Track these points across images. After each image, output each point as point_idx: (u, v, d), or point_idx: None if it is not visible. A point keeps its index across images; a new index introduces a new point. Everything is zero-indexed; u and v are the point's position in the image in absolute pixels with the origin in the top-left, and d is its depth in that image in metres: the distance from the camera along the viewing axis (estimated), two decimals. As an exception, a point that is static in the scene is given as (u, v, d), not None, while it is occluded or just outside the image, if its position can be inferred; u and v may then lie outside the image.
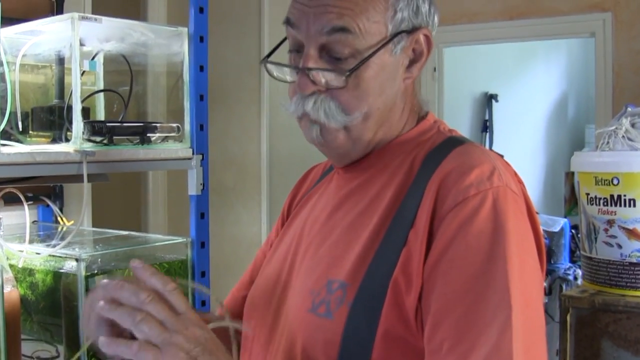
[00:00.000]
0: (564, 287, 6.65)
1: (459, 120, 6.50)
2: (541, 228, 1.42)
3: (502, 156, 1.48)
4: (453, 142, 1.47)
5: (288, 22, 1.47)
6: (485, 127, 6.90)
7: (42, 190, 2.93)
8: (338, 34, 1.40)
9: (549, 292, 6.58)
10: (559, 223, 7.07)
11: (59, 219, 2.91)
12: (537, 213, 1.43)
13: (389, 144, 1.52)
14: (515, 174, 1.45)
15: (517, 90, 7.28)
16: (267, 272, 1.66)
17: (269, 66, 1.52)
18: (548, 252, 6.79)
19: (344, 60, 1.42)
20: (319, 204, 1.63)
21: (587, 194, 2.63)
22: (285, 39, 1.54)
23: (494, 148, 6.84)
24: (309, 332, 1.40)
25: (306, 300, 1.43)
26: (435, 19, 1.52)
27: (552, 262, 6.87)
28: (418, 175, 1.42)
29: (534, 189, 7.70)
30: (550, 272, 6.70)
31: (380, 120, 1.48)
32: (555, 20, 5.21)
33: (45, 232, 2.87)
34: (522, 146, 7.42)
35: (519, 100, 7.31)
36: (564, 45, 8.01)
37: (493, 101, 6.92)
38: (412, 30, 1.47)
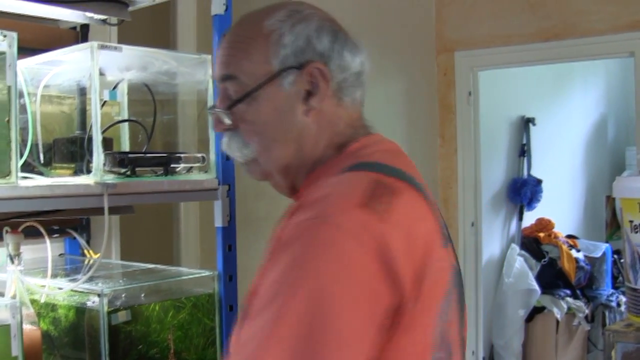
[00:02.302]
0: (606, 314, 6.56)
1: (496, 144, 6.42)
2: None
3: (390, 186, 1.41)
4: (350, 168, 1.46)
5: None
6: (523, 151, 6.81)
7: (68, 222, 2.89)
8: (226, 81, 1.55)
9: (591, 319, 6.49)
10: (601, 248, 6.99)
11: (85, 251, 2.86)
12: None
13: (307, 178, 1.56)
14: (368, 207, 1.33)
15: (555, 113, 7.19)
16: None
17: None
18: (590, 278, 6.70)
19: (231, 104, 1.54)
20: None
21: (631, 222, 2.54)
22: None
23: (532, 172, 6.76)
24: None
25: None
26: (345, 54, 1.57)
27: (594, 288, 6.79)
28: None
29: (573, 213, 7.60)
30: (592, 299, 6.62)
31: (283, 152, 1.54)
32: (592, 41, 5.12)
33: (72, 265, 2.83)
34: (561, 170, 7.34)
35: (557, 124, 7.22)
36: (601, 66, 7.91)
37: (530, 125, 6.83)
38: (301, 66, 1.52)
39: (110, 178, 2.06)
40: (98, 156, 2.04)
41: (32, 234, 2.35)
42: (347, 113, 1.59)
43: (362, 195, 1.34)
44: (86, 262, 2.82)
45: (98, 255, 2.79)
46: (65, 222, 2.86)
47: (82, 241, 2.86)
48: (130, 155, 2.13)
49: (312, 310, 1.23)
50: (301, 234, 1.30)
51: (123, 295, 2.20)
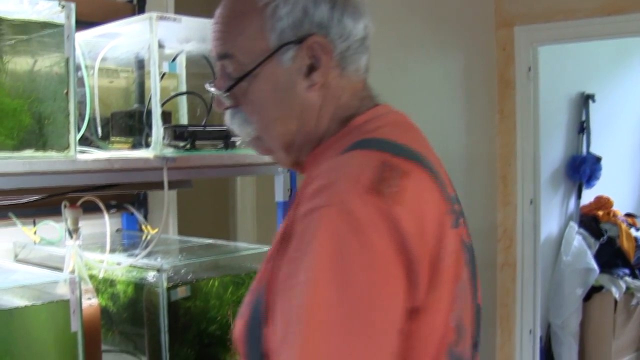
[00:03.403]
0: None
1: (555, 121, 6.33)
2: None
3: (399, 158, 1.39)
4: (352, 147, 1.42)
5: None
6: (582, 128, 6.70)
7: (125, 197, 2.87)
8: (224, 60, 1.51)
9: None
10: (660, 227, 6.89)
11: (143, 227, 2.84)
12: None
13: (312, 154, 1.53)
14: (377, 188, 1.31)
15: (615, 90, 7.06)
16: None
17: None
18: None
19: (230, 84, 1.51)
20: None
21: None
22: None
23: (591, 150, 6.66)
24: None
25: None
26: (346, 21, 1.49)
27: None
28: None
29: (633, 191, 7.47)
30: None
31: (285, 129, 1.51)
32: (656, 15, 5.01)
33: (130, 240, 2.82)
34: (620, 147, 7.22)
35: (617, 100, 7.09)
36: (664, 41, 7.76)
37: (590, 101, 6.72)
38: (300, 40, 1.46)
39: (169, 152, 2.03)
40: (157, 129, 2.01)
41: (89, 209, 2.33)
42: (350, 84, 1.53)
43: (371, 179, 1.31)
44: (144, 237, 2.81)
45: (156, 230, 2.78)
46: (122, 197, 2.85)
47: (139, 216, 2.84)
48: (189, 128, 2.09)
49: (345, 299, 1.23)
50: (318, 225, 1.27)
51: (182, 271, 2.18)
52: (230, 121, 1.55)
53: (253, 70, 1.46)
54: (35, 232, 2.63)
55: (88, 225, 2.39)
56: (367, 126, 1.50)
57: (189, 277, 2.20)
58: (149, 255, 2.22)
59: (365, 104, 1.54)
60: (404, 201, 1.31)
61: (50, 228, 2.61)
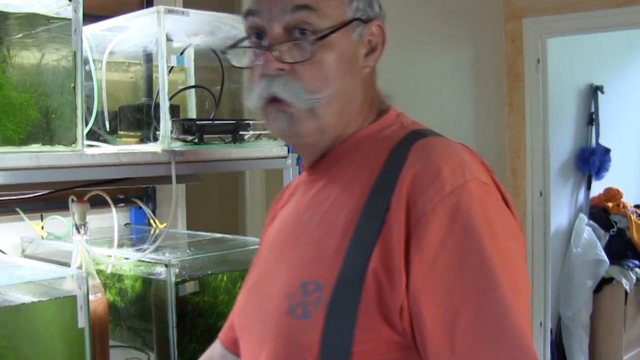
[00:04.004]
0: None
1: (564, 113, 6.31)
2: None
3: (465, 146, 1.48)
4: (415, 135, 1.46)
5: (249, 12, 1.50)
6: (591, 119, 6.69)
7: (133, 191, 2.86)
8: (301, 12, 1.43)
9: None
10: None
11: (151, 221, 2.83)
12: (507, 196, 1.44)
13: (349, 140, 1.53)
14: (482, 162, 1.45)
15: (624, 81, 7.04)
16: (247, 285, 1.67)
17: (229, 55, 1.58)
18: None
19: (307, 37, 1.44)
20: (288, 210, 1.66)
21: None
22: (245, 38, 1.56)
23: (600, 141, 6.64)
24: (288, 335, 1.39)
25: (282, 304, 1.42)
26: (385, 20, 1.56)
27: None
28: (384, 171, 1.41)
29: (642, 183, 7.47)
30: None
31: (343, 106, 1.49)
32: (666, 6, 4.98)
33: (138, 234, 2.81)
34: (629, 139, 7.20)
35: (626, 92, 7.07)
36: (673, 33, 7.73)
37: (599, 93, 6.70)
38: (367, 20, 1.51)
39: (177, 146, 2.01)
40: (165, 123, 2.00)
41: (97, 203, 2.32)
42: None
43: (475, 156, 1.44)
44: (152, 231, 2.80)
45: (164, 225, 2.77)
46: (130, 191, 2.84)
47: (147, 210, 2.83)
48: (198, 122, 2.08)
49: (509, 267, 1.30)
50: (471, 198, 1.31)
51: (190, 266, 2.17)
52: (283, 87, 1.45)
53: (336, 30, 1.45)
54: (42, 227, 2.62)
55: (96, 219, 2.38)
56: (404, 120, 1.56)
57: (197, 272, 2.19)
58: (157, 250, 2.21)
59: (384, 98, 1.60)
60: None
61: (58, 222, 2.60)
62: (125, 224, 2.91)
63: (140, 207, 2.85)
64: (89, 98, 2.12)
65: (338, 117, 1.49)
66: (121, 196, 2.79)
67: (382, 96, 1.59)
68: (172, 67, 2.14)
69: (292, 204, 1.66)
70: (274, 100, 1.46)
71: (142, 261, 2.20)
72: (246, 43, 1.53)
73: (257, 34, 1.49)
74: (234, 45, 1.57)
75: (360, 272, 1.32)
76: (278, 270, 1.50)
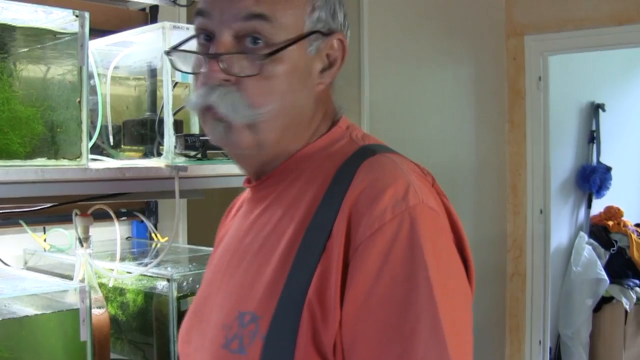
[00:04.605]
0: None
1: (564, 130, 6.32)
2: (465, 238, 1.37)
3: (417, 165, 1.41)
4: (364, 153, 1.38)
5: (199, 12, 1.38)
6: (592, 137, 6.70)
7: (135, 205, 2.87)
8: (254, 21, 1.32)
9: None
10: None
11: (153, 235, 2.84)
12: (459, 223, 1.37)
13: (295, 156, 1.43)
14: (434, 183, 1.38)
15: (625, 99, 7.05)
16: (191, 308, 1.57)
17: (173, 57, 1.43)
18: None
19: (257, 49, 1.33)
20: (232, 232, 1.55)
21: None
22: (194, 36, 1.44)
23: (601, 159, 6.65)
24: None
25: (220, 335, 1.34)
26: (348, 33, 1.47)
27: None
28: (329, 193, 1.33)
29: (643, 202, 7.48)
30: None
31: (287, 122, 1.38)
32: (667, 25, 5.00)
33: (139, 248, 2.81)
34: (630, 157, 7.20)
35: (627, 110, 7.08)
36: (674, 51, 7.75)
37: (600, 111, 6.71)
38: (328, 33, 1.40)
39: (181, 161, 2.02)
40: (169, 138, 2.01)
41: (99, 216, 2.32)
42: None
43: (425, 177, 1.37)
44: (153, 245, 2.81)
45: (165, 239, 2.78)
46: (132, 204, 2.84)
47: (149, 225, 2.84)
48: (201, 137, 2.08)
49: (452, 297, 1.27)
50: (413, 226, 1.24)
51: (192, 280, 2.17)
52: (221, 99, 1.33)
53: (291, 44, 1.34)
54: (45, 239, 2.62)
55: (97, 232, 2.39)
56: (353, 133, 1.47)
57: (198, 286, 2.19)
58: (158, 264, 2.22)
59: (337, 111, 1.50)
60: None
61: (60, 235, 2.61)
62: (127, 238, 2.92)
63: (142, 221, 2.86)
64: (92, 112, 2.13)
65: (279, 134, 1.38)
66: (123, 210, 2.79)
67: (336, 108, 1.49)
68: (177, 83, 2.15)
69: (235, 225, 1.55)
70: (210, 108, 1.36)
71: (144, 275, 2.20)
72: (193, 44, 1.42)
73: (206, 35, 1.38)
74: (178, 46, 1.44)
75: (298, 304, 1.25)
76: (217, 296, 1.43)
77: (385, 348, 1.20)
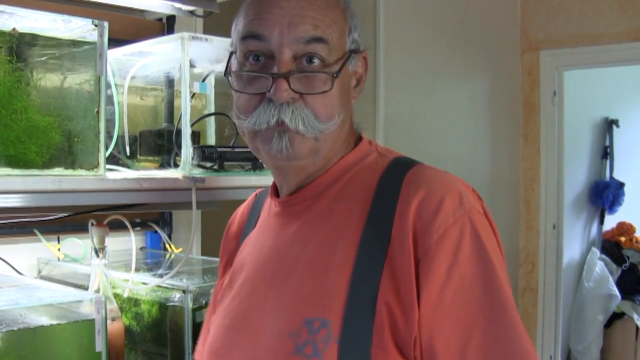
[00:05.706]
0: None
1: (578, 146, 6.31)
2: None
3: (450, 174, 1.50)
4: (401, 164, 1.49)
5: (251, 36, 1.45)
6: (606, 153, 6.69)
7: (150, 215, 2.86)
8: (314, 44, 1.42)
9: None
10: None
11: (167, 246, 2.83)
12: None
13: (332, 169, 1.52)
14: (474, 189, 1.48)
15: (639, 115, 7.04)
16: (224, 322, 1.58)
17: (231, 78, 1.51)
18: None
19: (324, 69, 1.44)
20: (264, 244, 1.60)
21: None
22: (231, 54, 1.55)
23: (614, 175, 6.64)
24: None
25: (286, 343, 1.39)
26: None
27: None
28: (376, 203, 1.43)
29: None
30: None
31: (337, 134, 1.49)
32: (683, 41, 4.99)
33: (153, 259, 2.81)
34: (644, 173, 7.19)
35: (641, 126, 7.09)
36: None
37: (614, 126, 6.70)
38: (360, 51, 1.53)
39: (198, 172, 2.02)
40: (187, 149, 2.00)
41: (114, 226, 2.32)
42: None
43: (467, 184, 1.47)
44: (167, 256, 2.80)
45: (180, 250, 2.77)
46: (147, 215, 2.84)
47: (164, 235, 2.83)
48: (219, 149, 2.08)
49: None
50: (472, 228, 1.37)
51: (208, 292, 2.16)
52: (291, 115, 1.41)
53: (344, 65, 1.46)
54: (59, 249, 2.62)
55: (112, 242, 2.38)
56: (378, 147, 1.57)
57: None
58: (174, 275, 2.21)
59: (358, 127, 1.61)
60: None
61: (74, 245, 2.60)
62: (141, 248, 2.91)
63: (156, 231, 2.85)
64: (109, 122, 2.12)
65: (332, 145, 1.48)
66: (137, 220, 2.78)
67: (356, 124, 1.59)
68: (195, 94, 2.15)
69: (268, 238, 1.59)
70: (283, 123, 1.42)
71: (159, 286, 2.19)
72: (244, 66, 1.47)
73: (255, 56, 1.45)
74: (239, 70, 1.49)
75: (369, 306, 1.34)
76: (267, 307, 1.47)
77: (462, 338, 1.32)
